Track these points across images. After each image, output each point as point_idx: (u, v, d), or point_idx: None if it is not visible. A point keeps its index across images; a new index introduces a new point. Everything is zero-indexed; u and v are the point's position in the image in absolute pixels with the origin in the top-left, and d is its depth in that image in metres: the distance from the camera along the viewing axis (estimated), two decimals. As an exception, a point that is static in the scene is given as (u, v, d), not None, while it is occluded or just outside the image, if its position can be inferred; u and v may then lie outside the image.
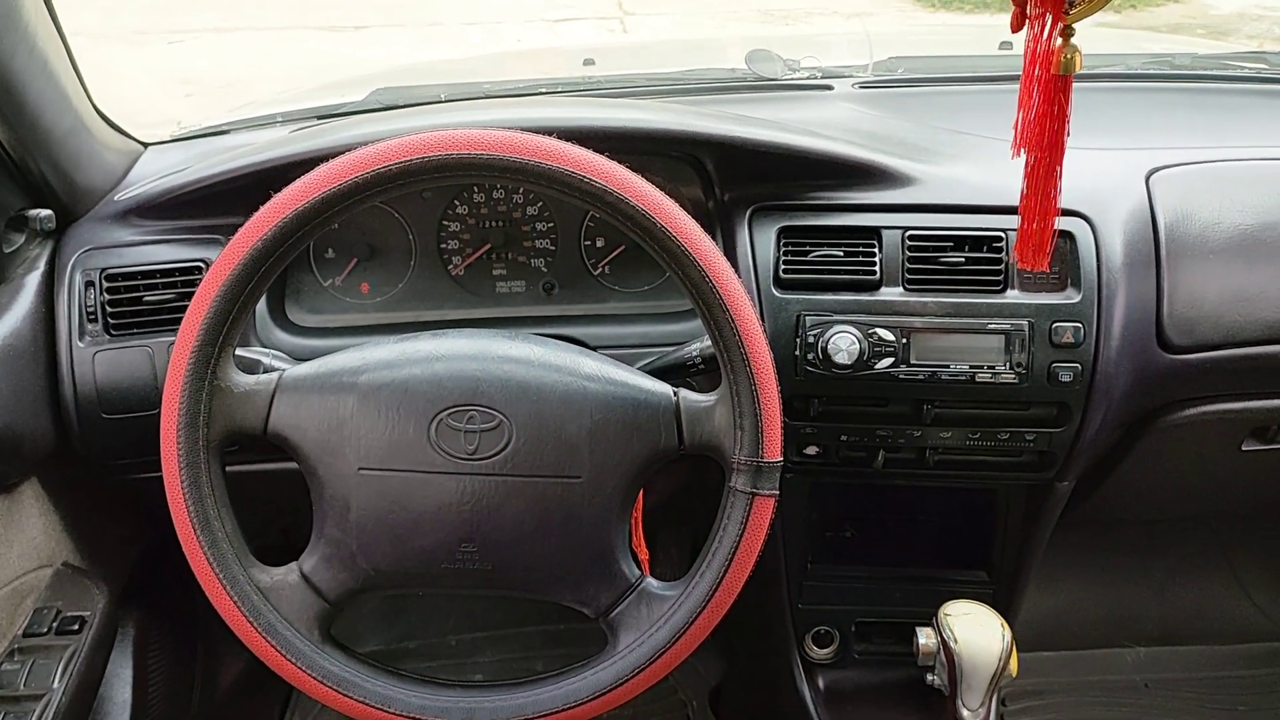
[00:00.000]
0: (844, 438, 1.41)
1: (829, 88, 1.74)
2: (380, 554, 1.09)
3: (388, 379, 1.08)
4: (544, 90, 1.69)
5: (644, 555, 1.40)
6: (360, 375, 1.09)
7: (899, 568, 1.61)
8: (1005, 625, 1.31)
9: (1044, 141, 0.95)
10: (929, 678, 1.36)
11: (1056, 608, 2.20)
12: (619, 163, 1.03)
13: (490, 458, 1.08)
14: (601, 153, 1.03)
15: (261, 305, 1.42)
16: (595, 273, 1.52)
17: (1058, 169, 0.97)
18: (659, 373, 1.21)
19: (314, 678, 1.10)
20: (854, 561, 1.62)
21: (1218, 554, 2.23)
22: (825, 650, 1.66)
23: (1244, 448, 1.55)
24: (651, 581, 1.14)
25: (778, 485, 1.09)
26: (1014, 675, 1.32)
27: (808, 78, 1.76)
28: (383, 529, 1.08)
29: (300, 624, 1.11)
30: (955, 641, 1.31)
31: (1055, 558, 2.20)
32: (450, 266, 1.51)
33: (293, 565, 1.12)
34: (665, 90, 1.72)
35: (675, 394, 1.13)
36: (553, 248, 1.51)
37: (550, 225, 1.51)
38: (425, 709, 1.10)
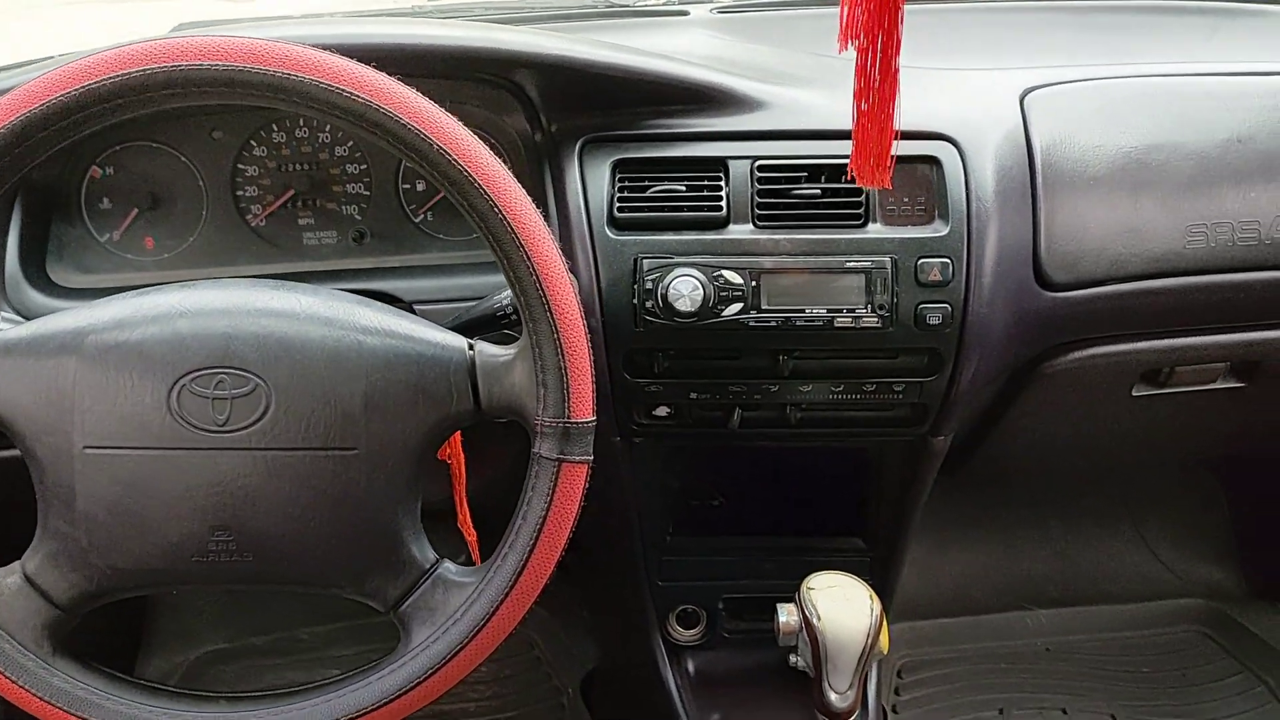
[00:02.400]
0: (694, 395, 1.26)
1: (684, 13, 1.58)
2: (116, 549, 0.92)
3: (118, 340, 0.91)
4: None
5: (471, 538, 1.25)
6: (85, 337, 0.91)
7: (769, 538, 1.47)
8: (874, 598, 1.18)
9: (876, 25, 0.80)
10: (792, 659, 1.21)
11: (954, 574, 2.08)
12: (420, 91, 0.87)
13: (244, 429, 0.91)
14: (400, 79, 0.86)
15: (11, 262, 1.22)
16: (416, 220, 1.35)
17: (894, 61, 0.82)
18: (465, 328, 1.05)
19: (41, 698, 0.92)
20: (720, 533, 1.47)
21: (1120, 510, 2.13)
22: (691, 631, 1.51)
23: (1135, 393, 1.43)
24: (449, 567, 0.98)
25: (590, 450, 0.94)
26: (884, 652, 1.19)
27: (662, 3, 1.60)
28: (117, 519, 0.91)
29: (23, 634, 0.93)
30: (818, 618, 1.17)
31: (951, 522, 2.09)
32: (249, 217, 1.33)
33: (14, 565, 0.94)
34: (507, 18, 1.55)
35: (471, 348, 0.96)
36: (366, 193, 1.34)
37: (363, 168, 1.33)
38: None
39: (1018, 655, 1.96)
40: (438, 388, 0.94)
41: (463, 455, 1.20)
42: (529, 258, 0.90)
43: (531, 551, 0.93)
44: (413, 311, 1.14)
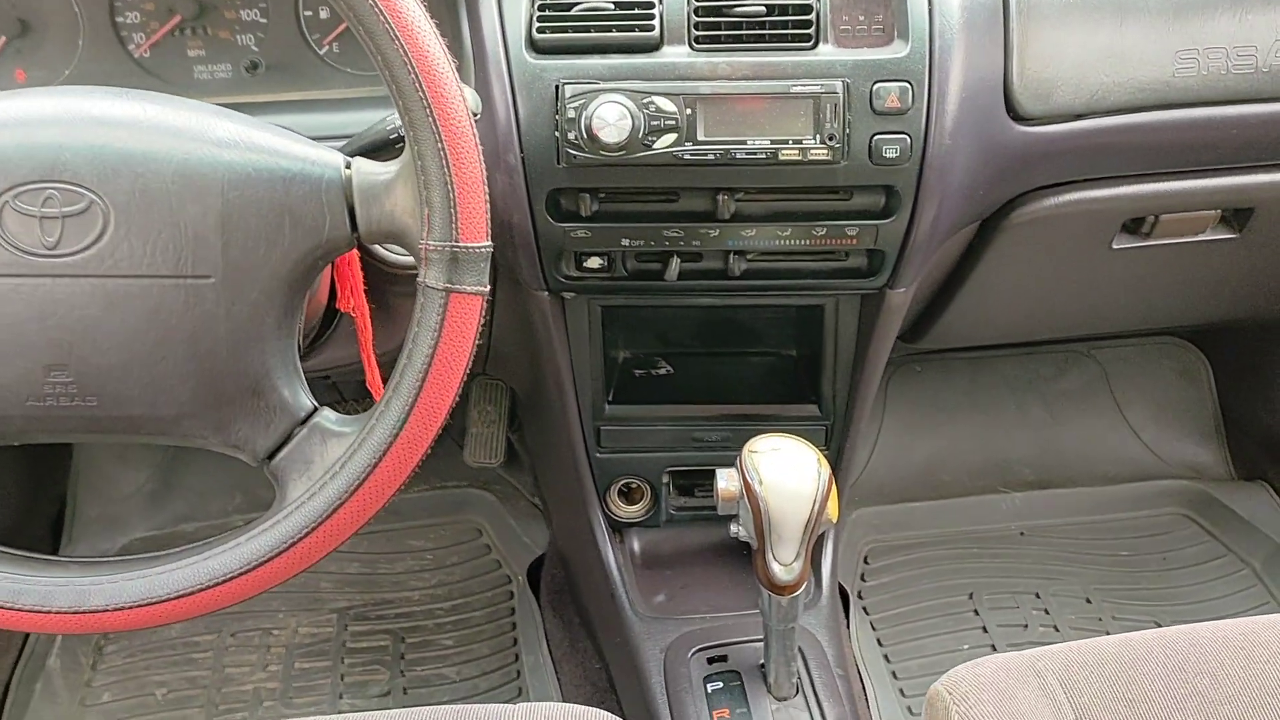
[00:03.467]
0: (626, 242, 1.14)
1: None
2: None
3: None
4: None
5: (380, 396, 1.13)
6: None
7: (717, 405, 1.36)
8: (823, 461, 1.06)
9: None
10: (733, 529, 1.11)
11: (925, 457, 1.98)
12: None
13: (78, 253, 0.79)
14: None
15: None
16: (320, 51, 1.21)
17: None
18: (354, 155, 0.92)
19: None
20: (663, 401, 1.36)
21: (1101, 390, 2.03)
22: (634, 507, 1.41)
23: (1115, 246, 1.30)
24: (327, 415, 0.87)
25: (485, 280, 0.82)
26: (833, 521, 1.08)
27: None
28: None
29: None
30: (760, 484, 1.06)
31: (924, 404, 1.99)
32: (131, 47, 1.19)
33: None
34: None
35: (347, 165, 0.84)
36: (263, 20, 1.20)
37: None
38: (20, 594, 0.82)
39: (990, 539, 1.87)
40: (307, 208, 0.81)
41: (367, 307, 1.08)
42: (407, 54, 0.77)
43: (418, 395, 0.81)
44: None
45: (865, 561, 1.83)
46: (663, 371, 1.40)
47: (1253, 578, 1.78)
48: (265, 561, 0.82)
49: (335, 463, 0.83)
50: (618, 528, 1.41)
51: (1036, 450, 1.99)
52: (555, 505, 1.69)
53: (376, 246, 1.13)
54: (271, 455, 0.85)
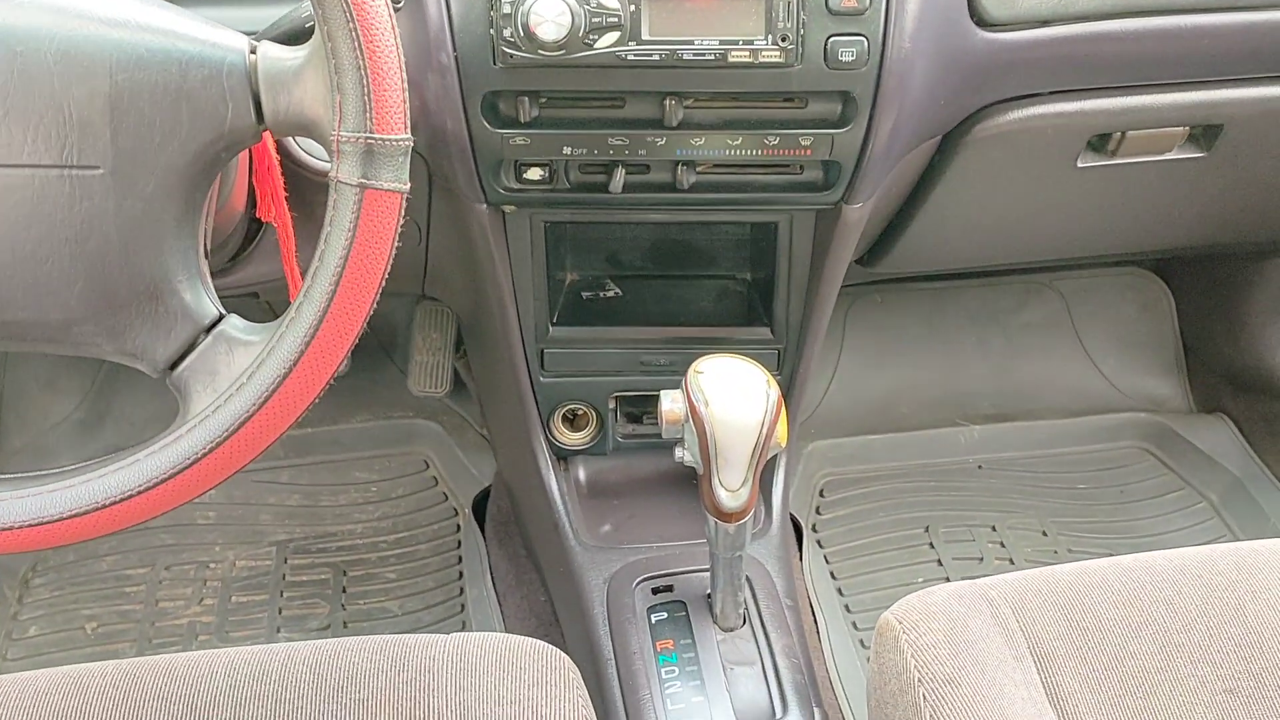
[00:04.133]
0: (569, 151, 1.07)
1: None
2: None
3: None
4: None
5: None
6: None
7: (665, 328, 1.30)
8: (772, 383, 1.01)
9: None
10: (678, 453, 1.06)
11: (884, 390, 1.94)
12: None
13: None
14: None
15: None
16: None
17: None
18: None
19: None
20: (610, 323, 1.30)
21: (1063, 322, 1.99)
22: (579, 434, 1.35)
23: (1080, 164, 1.25)
24: (234, 321, 0.81)
25: (404, 176, 0.76)
26: (782, 445, 1.03)
27: None
28: None
29: None
30: (706, 405, 1.01)
31: (883, 336, 1.95)
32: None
33: None
34: None
35: (252, 50, 0.77)
36: None
37: None
38: None
39: (948, 472, 1.84)
40: (207, 95, 0.74)
41: (289, 215, 1.02)
42: None
43: (331, 299, 0.75)
44: None
45: (820, 495, 1.79)
46: (611, 294, 1.34)
47: (1210, 510, 1.76)
48: (167, 479, 0.76)
49: (243, 374, 0.77)
50: (562, 456, 1.36)
51: (996, 383, 1.96)
52: (499, 433, 1.63)
53: (298, 150, 1.06)
54: (174, 366, 0.79)
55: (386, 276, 0.76)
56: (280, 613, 1.61)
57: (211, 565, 1.68)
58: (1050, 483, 1.82)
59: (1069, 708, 0.90)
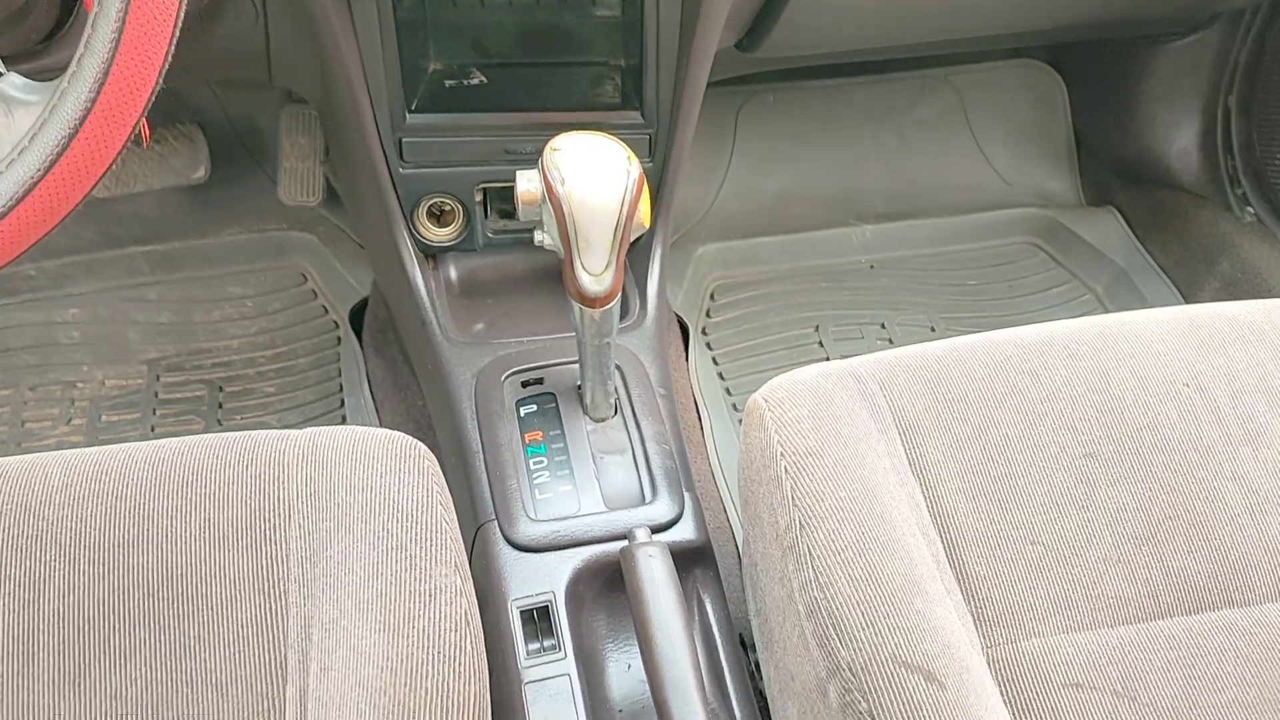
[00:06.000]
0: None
1: None
2: None
3: None
4: None
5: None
6: None
7: (531, 114, 1.23)
8: (633, 159, 0.95)
9: None
10: (538, 237, 1.00)
11: (779, 190, 1.90)
12: None
13: None
14: None
15: None
16: None
17: None
18: None
19: None
20: (472, 109, 1.22)
21: (958, 119, 1.95)
22: (446, 229, 1.29)
23: None
24: (13, 80, 0.73)
25: None
26: (645, 226, 0.98)
27: None
28: None
29: None
30: (563, 183, 0.95)
31: (777, 137, 1.89)
32: None
33: None
34: None
35: None
36: None
37: None
38: None
39: (839, 272, 1.82)
40: None
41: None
42: None
43: (118, 43, 0.67)
44: None
45: (711, 298, 1.77)
46: (476, 82, 1.26)
47: (1095, 301, 1.78)
48: None
49: (24, 136, 0.70)
50: (430, 253, 1.30)
51: (890, 182, 1.93)
52: (366, 234, 1.57)
53: None
54: (-54, 132, 0.71)
55: (180, 20, 0.69)
56: (153, 430, 1.55)
57: (79, 385, 1.61)
58: (940, 279, 1.81)
59: (931, 477, 0.90)
